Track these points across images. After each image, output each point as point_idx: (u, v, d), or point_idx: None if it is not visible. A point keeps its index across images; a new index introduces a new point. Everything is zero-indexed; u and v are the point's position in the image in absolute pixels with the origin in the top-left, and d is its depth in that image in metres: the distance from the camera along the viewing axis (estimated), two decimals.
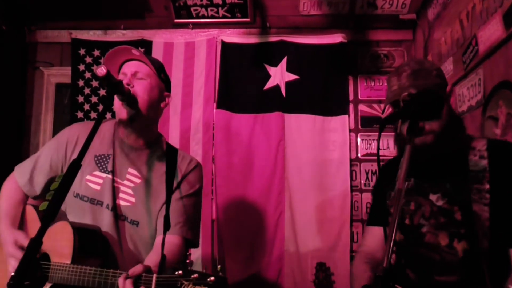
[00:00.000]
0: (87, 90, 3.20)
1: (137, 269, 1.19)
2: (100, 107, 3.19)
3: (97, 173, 1.57)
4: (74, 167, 1.14)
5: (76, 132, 1.65)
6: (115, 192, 1.55)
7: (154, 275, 1.05)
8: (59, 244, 1.41)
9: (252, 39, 3.20)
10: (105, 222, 1.52)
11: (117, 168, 1.58)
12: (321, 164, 2.99)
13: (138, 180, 1.58)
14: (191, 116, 3.12)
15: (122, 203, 1.55)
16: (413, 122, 1.18)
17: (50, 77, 3.35)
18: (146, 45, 3.21)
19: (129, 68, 1.58)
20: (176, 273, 0.98)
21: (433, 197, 1.46)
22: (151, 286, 1.04)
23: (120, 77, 1.57)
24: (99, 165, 1.58)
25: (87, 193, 1.55)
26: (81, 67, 3.22)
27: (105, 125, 1.67)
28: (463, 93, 2.34)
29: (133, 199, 1.55)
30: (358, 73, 3.18)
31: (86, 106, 3.19)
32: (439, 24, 2.71)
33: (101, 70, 1.29)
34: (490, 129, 2.01)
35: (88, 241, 1.41)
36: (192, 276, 0.96)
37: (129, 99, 1.50)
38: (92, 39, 3.27)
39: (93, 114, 3.17)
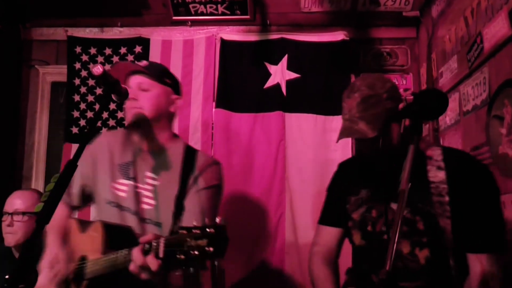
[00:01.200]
0: (83, 89, 3.20)
1: (147, 237, 1.22)
2: (97, 106, 3.19)
3: (122, 180, 1.68)
4: (69, 168, 1.14)
5: (105, 140, 1.78)
6: (137, 197, 1.65)
7: (162, 238, 1.10)
8: (92, 242, 1.51)
9: (252, 37, 3.19)
10: (132, 226, 1.61)
11: (137, 174, 1.68)
12: (323, 164, 2.99)
13: (156, 183, 1.66)
14: (190, 116, 3.12)
15: (145, 206, 1.64)
16: (416, 122, 1.19)
17: (46, 76, 3.34)
18: (143, 43, 3.21)
19: (133, 80, 1.69)
20: (180, 232, 1.03)
21: (394, 206, 1.51)
22: (160, 249, 1.09)
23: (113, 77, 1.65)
24: (122, 173, 1.69)
25: (115, 200, 1.66)
26: (77, 65, 3.22)
27: (122, 134, 1.78)
28: (468, 92, 2.33)
29: (153, 202, 1.63)
30: (361, 71, 3.17)
31: (82, 105, 3.18)
32: (443, 21, 2.71)
33: (97, 69, 1.30)
34: (496, 129, 2.01)
35: (118, 236, 1.50)
36: (194, 231, 1.01)
37: (125, 99, 1.52)
38: (88, 36, 3.26)
39: (89, 114, 3.17)
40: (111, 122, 3.14)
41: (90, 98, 3.20)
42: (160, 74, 1.72)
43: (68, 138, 3.14)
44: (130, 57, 3.20)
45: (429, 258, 1.45)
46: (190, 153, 1.71)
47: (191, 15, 3.16)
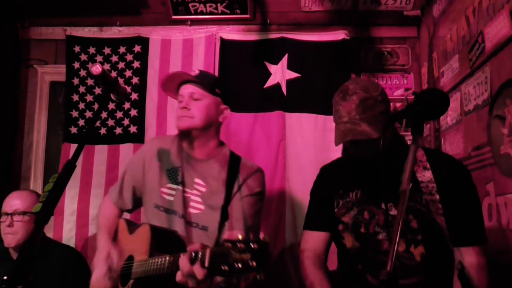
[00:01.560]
0: (82, 89, 3.20)
1: (194, 246, 1.26)
2: (96, 106, 3.19)
3: (170, 185, 1.76)
4: (68, 168, 1.14)
5: (155, 145, 1.86)
6: (185, 201, 1.72)
7: (208, 249, 1.14)
8: (140, 244, 1.58)
9: (252, 36, 3.19)
10: (178, 230, 1.68)
11: (186, 179, 1.75)
12: (323, 164, 2.98)
13: (203, 189, 1.73)
14: None
15: (192, 211, 1.71)
16: (418, 122, 1.19)
17: (44, 75, 3.34)
18: (142, 42, 3.21)
19: (185, 90, 1.77)
20: (226, 244, 1.07)
21: (385, 206, 1.58)
22: (206, 259, 1.14)
23: (179, 98, 1.78)
24: (170, 177, 1.77)
25: (163, 204, 1.74)
26: (76, 64, 3.21)
27: (173, 139, 1.86)
28: (469, 92, 2.33)
29: (202, 207, 1.71)
30: (361, 71, 3.18)
31: (81, 105, 3.18)
32: (444, 20, 2.71)
33: (96, 69, 1.30)
34: (497, 129, 2.01)
35: (164, 240, 1.58)
36: (239, 245, 1.05)
37: (124, 99, 1.53)
38: (87, 36, 3.26)
39: (88, 113, 3.17)
40: (110, 122, 3.13)
41: (89, 97, 3.19)
42: (212, 84, 1.80)
43: (67, 138, 3.13)
44: (129, 57, 3.20)
45: (424, 255, 1.51)
46: (234, 161, 1.79)
47: (191, 14, 3.16)
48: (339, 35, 3.12)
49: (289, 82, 3.10)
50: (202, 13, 3.15)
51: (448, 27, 2.63)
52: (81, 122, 3.16)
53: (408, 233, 1.52)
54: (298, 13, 3.15)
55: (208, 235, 1.68)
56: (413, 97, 1.39)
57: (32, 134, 3.28)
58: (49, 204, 1.09)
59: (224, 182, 1.72)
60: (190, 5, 3.10)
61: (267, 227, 2.95)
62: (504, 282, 1.82)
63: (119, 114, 3.15)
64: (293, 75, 3.11)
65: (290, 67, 3.12)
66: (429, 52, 2.92)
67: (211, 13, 3.14)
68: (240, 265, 1.02)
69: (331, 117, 2.99)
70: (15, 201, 2.24)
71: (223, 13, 3.14)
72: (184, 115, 1.73)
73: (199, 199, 1.73)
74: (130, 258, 1.65)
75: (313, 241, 1.77)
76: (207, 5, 3.10)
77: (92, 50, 3.23)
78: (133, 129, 3.11)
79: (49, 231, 2.85)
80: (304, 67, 3.11)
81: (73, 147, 3.10)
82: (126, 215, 2.01)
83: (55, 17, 3.28)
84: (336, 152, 2.99)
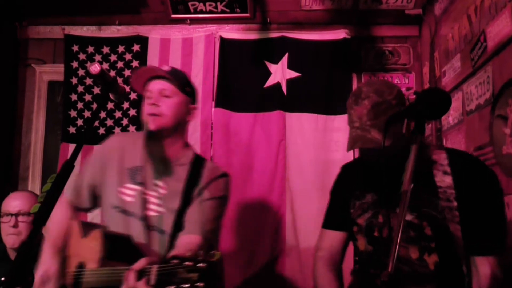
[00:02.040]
0: (80, 88, 3.20)
1: (141, 262, 1.24)
2: (94, 106, 3.19)
3: (130, 185, 1.68)
4: (66, 168, 1.14)
5: (116, 142, 1.78)
6: (145, 203, 1.65)
7: (155, 266, 1.12)
8: (91, 251, 1.50)
9: (252, 35, 3.19)
10: (136, 232, 1.61)
11: (146, 180, 1.68)
12: (324, 165, 2.98)
13: (163, 191, 1.67)
14: None
15: (151, 213, 1.64)
16: (419, 122, 1.19)
17: (42, 75, 3.34)
18: (142, 42, 3.21)
19: (155, 85, 1.69)
20: (173, 262, 1.06)
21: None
22: (152, 276, 1.11)
23: (146, 94, 1.70)
24: (131, 177, 1.69)
25: (121, 204, 1.66)
26: (74, 64, 3.22)
27: (136, 137, 1.78)
28: (471, 91, 2.33)
29: (161, 209, 1.64)
30: (362, 70, 3.18)
31: (80, 105, 3.18)
32: (446, 19, 2.71)
33: (94, 68, 1.30)
34: (499, 129, 2.01)
35: (117, 247, 1.50)
36: (186, 263, 1.03)
37: (123, 98, 1.52)
38: (85, 35, 3.26)
39: (86, 113, 3.17)
40: (109, 122, 3.13)
41: (88, 97, 3.19)
42: (183, 82, 1.74)
43: (65, 138, 3.13)
44: (128, 56, 3.20)
45: (437, 264, 1.46)
46: (197, 164, 1.73)
47: (190, 13, 3.16)
48: (339, 34, 3.12)
49: (289, 81, 3.10)
50: (201, 12, 3.15)
51: (450, 26, 2.63)
52: (80, 122, 3.16)
53: (421, 240, 1.47)
54: (299, 12, 3.15)
55: (166, 240, 1.62)
56: (414, 96, 1.39)
57: (30, 134, 3.28)
58: (48, 204, 1.09)
59: (183, 185, 1.66)
60: (189, 4, 3.10)
61: (266, 229, 2.95)
62: (505, 283, 1.82)
63: (118, 114, 3.15)
64: (293, 74, 3.11)
65: (291, 66, 3.12)
66: (431, 51, 2.92)
67: (210, 12, 3.14)
68: (186, 286, 1.00)
69: (331, 117, 3.06)
70: (18, 202, 2.25)
71: (222, 12, 3.14)
72: (153, 112, 1.64)
73: (157, 201, 1.66)
74: (81, 266, 1.56)
75: (329, 240, 1.74)
76: (207, 4, 3.10)
77: (90, 49, 3.23)
78: (132, 129, 3.10)
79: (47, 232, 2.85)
80: (305, 67, 3.11)
81: (72, 147, 3.10)
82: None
83: (54, 16, 3.28)
84: (337, 152, 3.01)
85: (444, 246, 1.46)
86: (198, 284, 1.00)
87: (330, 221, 1.78)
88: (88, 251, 1.53)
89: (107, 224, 1.68)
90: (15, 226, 2.19)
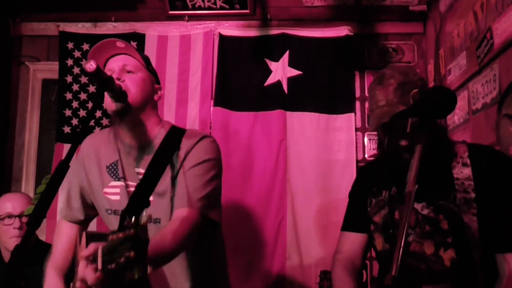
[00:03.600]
0: (75, 87, 3.20)
1: (89, 248, 1.14)
2: (90, 105, 3.19)
3: (113, 183, 1.61)
4: (61, 169, 1.14)
5: (90, 144, 1.71)
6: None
7: (99, 248, 1.02)
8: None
9: (252, 32, 3.19)
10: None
11: (126, 172, 1.60)
12: (326, 165, 2.99)
13: None
14: (187, 114, 3.12)
15: None
16: (424, 121, 1.19)
17: (36, 73, 3.34)
18: (138, 38, 3.21)
19: (116, 62, 1.57)
20: (110, 237, 0.99)
21: (417, 206, 1.50)
22: (98, 259, 1.01)
23: (107, 73, 1.53)
24: (112, 174, 1.62)
25: (109, 205, 1.60)
26: (69, 61, 3.22)
27: (107, 132, 1.71)
28: (477, 90, 2.33)
29: (150, 198, 1.54)
30: (365, 68, 3.18)
31: (75, 104, 3.18)
32: (451, 16, 2.71)
33: (90, 65, 1.28)
34: (506, 128, 2.01)
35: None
36: (119, 236, 0.97)
37: (120, 96, 1.50)
38: (81, 32, 3.26)
39: (82, 112, 3.17)
40: (105, 121, 3.13)
41: (83, 96, 3.19)
42: (146, 59, 1.66)
43: (60, 138, 3.13)
44: None
45: (454, 260, 1.43)
46: (175, 135, 1.61)
47: (188, 9, 3.15)
48: (342, 31, 3.12)
49: (290, 79, 3.10)
50: (200, 8, 3.14)
51: (455, 22, 2.63)
52: (75, 122, 3.16)
53: (437, 235, 1.45)
54: (300, 8, 3.15)
55: (161, 228, 1.51)
56: (419, 95, 1.40)
57: (24, 134, 3.28)
58: (42, 206, 1.09)
59: (167, 162, 1.54)
60: (187, 0, 3.10)
61: (267, 230, 2.95)
62: None
63: None
64: (294, 72, 3.11)
65: (292, 64, 3.12)
66: (436, 48, 2.92)
67: (209, 8, 3.14)
68: (122, 259, 0.93)
69: (333, 116, 3.06)
70: (17, 203, 2.24)
71: (221, 8, 3.14)
72: None
73: None
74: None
75: (348, 242, 1.71)
76: (205, 0, 3.10)
77: (86, 46, 3.23)
78: None
79: (41, 235, 2.85)
80: (306, 64, 3.11)
81: (66, 147, 3.10)
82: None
83: (48, 12, 3.27)
84: (339, 153, 3.01)
85: (461, 241, 1.43)
86: (129, 254, 0.92)
87: (349, 223, 1.75)
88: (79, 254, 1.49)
89: (109, 229, 1.63)
90: (21, 228, 2.18)
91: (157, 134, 1.63)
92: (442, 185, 1.48)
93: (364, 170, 1.85)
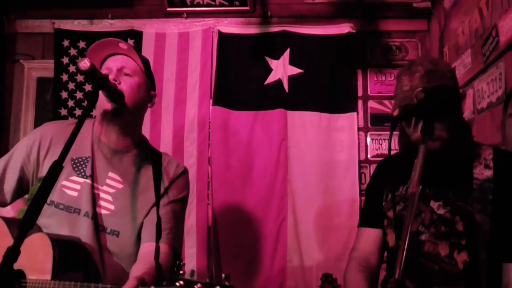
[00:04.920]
0: (71, 85, 3.20)
1: (130, 284, 1.17)
2: (86, 104, 3.19)
3: (74, 178, 1.56)
4: (55, 169, 1.13)
5: (49, 133, 1.64)
6: (94, 199, 1.54)
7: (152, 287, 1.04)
8: (36, 258, 1.38)
9: (252, 30, 3.19)
10: (84, 232, 1.50)
11: (96, 173, 1.57)
12: (327, 166, 2.98)
13: (119, 186, 1.58)
14: (185, 114, 3.12)
15: (102, 211, 1.54)
16: (427, 121, 1.19)
17: (31, 71, 3.34)
18: (136, 36, 3.20)
19: (114, 62, 1.58)
20: (177, 283, 0.96)
21: (434, 205, 1.51)
22: None
23: (104, 72, 1.55)
24: (76, 169, 1.57)
25: (63, 200, 1.54)
26: (65, 60, 3.21)
27: (85, 123, 1.64)
28: (483, 88, 2.33)
29: (112, 207, 1.55)
30: (368, 66, 3.17)
31: (70, 103, 3.18)
32: (456, 13, 2.70)
33: (84, 64, 1.28)
34: None
35: (68, 254, 1.39)
36: (196, 286, 0.95)
37: (115, 95, 1.49)
38: (76, 29, 3.26)
39: (77, 111, 3.17)
40: None
41: (79, 95, 3.19)
42: (146, 64, 1.66)
43: None
44: None
45: (467, 264, 1.43)
46: (156, 156, 1.64)
47: (187, 6, 3.15)
48: (344, 28, 3.11)
49: (291, 78, 3.10)
50: (198, 5, 3.14)
51: (460, 19, 2.63)
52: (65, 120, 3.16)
53: (452, 236, 1.45)
54: (301, 5, 3.15)
55: (118, 242, 1.51)
56: (423, 94, 1.39)
57: (18, 133, 3.28)
58: (35, 207, 1.09)
59: (149, 180, 1.56)
60: None
61: (267, 232, 2.94)
62: None
63: None
64: (295, 70, 3.11)
65: (292, 62, 3.11)
66: (440, 46, 2.92)
67: (208, 5, 3.14)
68: None
69: (335, 116, 3.06)
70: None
71: (221, 5, 3.14)
72: None
73: (109, 198, 1.54)
74: (20, 274, 1.38)
75: (364, 238, 1.71)
76: None
77: (82, 44, 3.23)
78: None
79: None
80: (307, 63, 3.11)
81: None
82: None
83: (43, 9, 3.27)
84: (341, 153, 3.01)
85: (474, 244, 1.43)
86: None
87: (365, 219, 1.75)
88: (27, 259, 1.34)
89: (47, 222, 1.53)
90: None
91: (137, 147, 1.64)
92: (460, 185, 1.48)
93: (383, 164, 1.83)
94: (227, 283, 0.96)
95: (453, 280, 1.45)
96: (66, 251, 1.39)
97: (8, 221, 1.53)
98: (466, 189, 1.46)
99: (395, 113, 1.51)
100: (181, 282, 0.95)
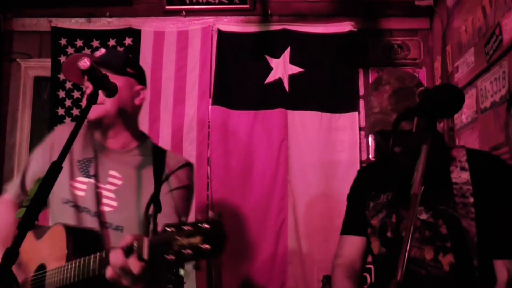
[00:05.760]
0: (68, 84, 3.20)
1: (126, 239, 1.18)
2: (83, 103, 3.18)
3: (81, 178, 1.63)
4: (54, 169, 1.14)
5: (62, 134, 1.69)
6: (98, 197, 1.60)
7: (146, 239, 1.07)
8: (53, 249, 1.45)
9: (252, 28, 3.19)
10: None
11: (99, 172, 1.63)
12: (328, 166, 2.99)
13: (119, 182, 1.62)
14: (184, 113, 3.12)
15: (105, 209, 1.59)
16: (430, 120, 1.19)
17: (28, 70, 3.34)
18: (134, 35, 3.21)
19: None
20: (168, 230, 0.99)
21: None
22: (143, 250, 1.05)
23: (86, 84, 1.65)
24: (81, 170, 1.64)
25: (73, 199, 1.61)
26: (62, 58, 3.21)
27: (86, 126, 1.72)
28: (486, 88, 2.33)
29: (115, 203, 1.59)
30: (369, 65, 3.18)
31: (68, 102, 3.19)
32: (459, 11, 2.71)
33: (83, 63, 1.28)
34: None
35: (83, 241, 1.44)
36: (185, 228, 0.97)
37: (114, 95, 1.50)
38: (74, 27, 3.26)
39: (75, 111, 3.17)
40: None
41: (76, 94, 3.20)
42: (120, 64, 1.68)
43: None
44: (119, 50, 3.20)
45: (453, 265, 1.47)
46: (159, 152, 1.70)
47: (186, 4, 3.16)
48: (345, 26, 3.12)
49: (292, 77, 3.10)
50: (198, 3, 3.15)
51: (463, 18, 2.63)
52: (68, 121, 3.16)
53: (437, 240, 1.48)
54: (302, 3, 3.16)
55: (123, 237, 1.48)
56: (425, 93, 1.40)
57: (15, 134, 3.28)
58: (34, 209, 1.09)
59: (149, 173, 1.61)
60: None
61: (267, 233, 2.95)
62: None
63: None
64: (296, 70, 3.11)
65: (293, 61, 3.12)
66: (443, 45, 2.92)
67: (207, 3, 3.14)
68: (189, 251, 0.94)
69: (336, 115, 3.06)
70: None
71: (220, 3, 3.14)
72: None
73: (112, 195, 1.61)
74: (41, 268, 1.48)
75: (347, 246, 1.75)
76: None
77: (79, 43, 3.23)
78: None
79: None
80: (308, 61, 3.11)
81: None
82: None
83: (40, 7, 3.28)
84: (342, 153, 3.01)
85: (460, 246, 1.46)
86: (204, 246, 0.94)
87: (348, 226, 1.79)
88: (48, 251, 1.48)
89: (58, 221, 1.58)
90: None
91: (139, 145, 1.70)
92: (440, 189, 1.51)
93: (363, 172, 1.89)
94: (215, 218, 0.99)
95: (440, 283, 1.48)
96: (80, 238, 1.45)
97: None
98: (447, 193, 1.49)
99: (371, 138, 1.55)
100: (172, 229, 0.99)
